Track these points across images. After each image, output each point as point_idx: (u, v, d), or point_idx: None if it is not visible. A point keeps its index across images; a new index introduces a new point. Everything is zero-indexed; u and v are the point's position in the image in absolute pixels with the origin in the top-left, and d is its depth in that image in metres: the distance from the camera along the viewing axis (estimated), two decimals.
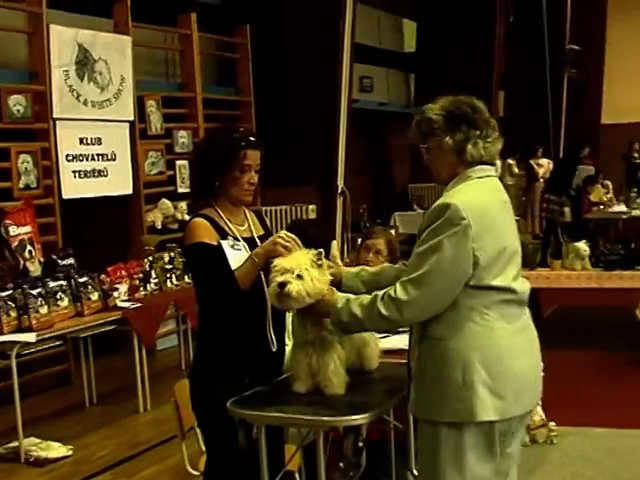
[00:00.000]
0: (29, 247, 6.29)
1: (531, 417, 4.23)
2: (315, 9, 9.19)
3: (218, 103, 9.18)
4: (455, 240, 2.51)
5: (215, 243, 3.03)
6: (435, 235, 2.53)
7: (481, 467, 2.58)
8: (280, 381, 3.07)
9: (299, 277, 2.72)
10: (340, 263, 3.03)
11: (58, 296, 5.60)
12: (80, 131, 7.13)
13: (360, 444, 2.82)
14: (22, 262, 6.19)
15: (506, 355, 2.56)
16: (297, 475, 3.48)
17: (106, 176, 7.39)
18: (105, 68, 7.36)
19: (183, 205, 7.99)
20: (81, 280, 5.80)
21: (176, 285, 6.82)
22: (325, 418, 2.68)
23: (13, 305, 5.32)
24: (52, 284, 5.60)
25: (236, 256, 3.03)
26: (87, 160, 7.20)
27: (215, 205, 3.15)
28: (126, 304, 6.10)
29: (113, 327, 6.07)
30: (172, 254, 6.88)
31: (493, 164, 2.75)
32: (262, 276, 2.99)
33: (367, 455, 3.23)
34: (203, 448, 3.39)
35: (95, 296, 5.88)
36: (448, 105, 2.68)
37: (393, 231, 7.76)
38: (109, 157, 7.43)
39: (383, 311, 2.58)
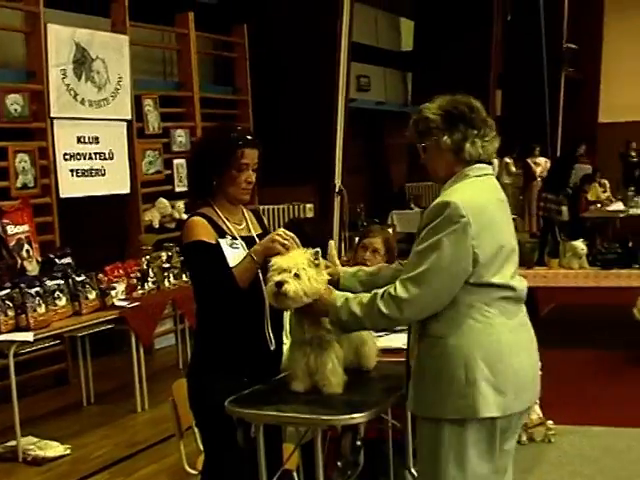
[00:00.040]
0: (26, 246, 6.29)
1: (529, 415, 4.23)
2: (312, 8, 9.18)
3: (215, 102, 9.17)
4: (455, 238, 2.51)
5: (213, 242, 3.03)
6: (435, 233, 2.53)
7: (481, 464, 2.59)
8: (278, 380, 3.06)
9: (296, 276, 2.72)
10: (338, 262, 3.04)
11: (55, 295, 5.59)
12: (77, 130, 7.12)
13: (358, 443, 2.83)
14: (19, 261, 6.19)
15: (506, 352, 2.57)
16: (295, 474, 3.47)
17: (103, 175, 7.38)
18: (102, 67, 7.34)
19: (181, 204, 7.98)
20: (78, 279, 5.80)
21: (174, 284, 6.81)
22: (323, 417, 2.68)
23: (10, 304, 5.31)
24: (49, 283, 5.60)
25: (234, 255, 3.03)
26: (84, 159, 7.19)
27: (213, 204, 3.15)
28: (124, 303, 6.10)
29: (111, 326, 6.08)
30: (170, 253, 6.87)
31: (490, 163, 2.75)
32: (260, 274, 2.99)
33: (365, 454, 3.24)
34: (201, 447, 3.39)
35: (93, 295, 5.88)
36: (445, 104, 2.68)
37: (390, 230, 7.77)
38: (106, 156, 7.42)
39: (383, 309, 2.58)
